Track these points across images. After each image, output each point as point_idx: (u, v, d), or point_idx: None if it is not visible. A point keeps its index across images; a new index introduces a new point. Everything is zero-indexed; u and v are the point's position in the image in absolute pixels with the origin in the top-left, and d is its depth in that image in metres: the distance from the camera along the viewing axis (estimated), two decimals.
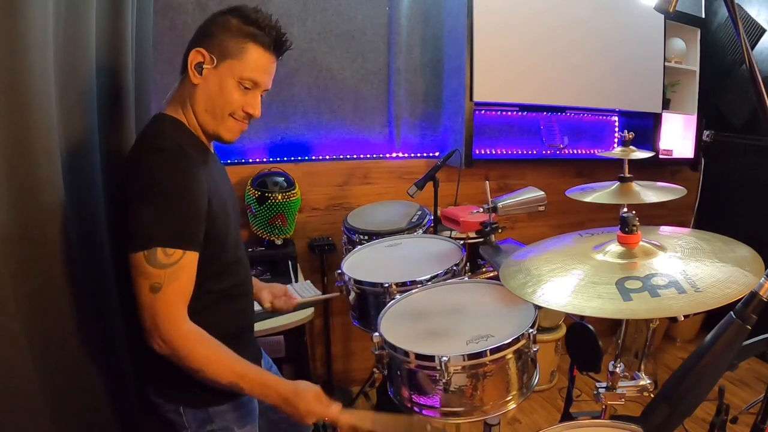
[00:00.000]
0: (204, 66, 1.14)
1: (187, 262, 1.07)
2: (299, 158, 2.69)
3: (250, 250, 2.35)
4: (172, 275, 1.05)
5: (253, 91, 1.18)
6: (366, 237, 2.07)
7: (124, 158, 1.23)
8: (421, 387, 1.17)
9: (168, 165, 1.07)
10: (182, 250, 1.06)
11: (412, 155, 2.87)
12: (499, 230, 1.67)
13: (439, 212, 2.17)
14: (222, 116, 1.17)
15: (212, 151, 1.29)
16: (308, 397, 1.13)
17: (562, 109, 2.96)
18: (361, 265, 1.68)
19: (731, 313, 0.78)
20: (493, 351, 1.11)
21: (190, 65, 1.14)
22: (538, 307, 1.18)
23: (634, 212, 1.09)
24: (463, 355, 1.11)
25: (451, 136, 2.79)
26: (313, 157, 2.72)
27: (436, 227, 2.19)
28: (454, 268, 1.56)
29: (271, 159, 2.62)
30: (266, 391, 1.13)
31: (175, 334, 1.06)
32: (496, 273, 1.57)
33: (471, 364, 1.11)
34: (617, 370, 1.24)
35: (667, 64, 2.98)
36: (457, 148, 2.54)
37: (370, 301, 1.54)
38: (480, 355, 1.11)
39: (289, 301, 1.62)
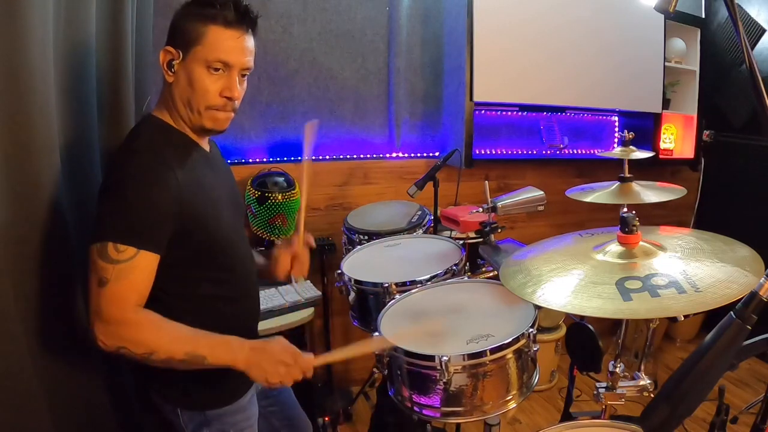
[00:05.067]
0: (174, 62, 1.12)
1: (142, 261, 1.04)
2: (299, 158, 2.68)
3: None
4: (122, 272, 1.02)
5: (227, 72, 1.13)
6: (366, 237, 2.06)
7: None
8: (421, 387, 1.17)
9: (134, 165, 1.06)
10: (135, 248, 1.03)
11: (412, 155, 2.87)
12: (499, 230, 1.67)
13: (439, 212, 2.17)
14: (199, 110, 1.14)
15: (208, 150, 1.26)
16: (275, 347, 1.10)
17: (562, 109, 2.96)
18: (361, 265, 1.68)
19: (731, 313, 0.78)
20: (493, 350, 1.11)
21: (162, 65, 1.14)
22: (538, 307, 1.18)
23: (634, 212, 1.09)
24: (463, 355, 1.11)
25: (451, 136, 2.79)
26: (313, 157, 2.71)
27: (436, 227, 2.19)
28: (454, 268, 1.57)
29: (271, 159, 2.62)
30: (230, 350, 1.08)
31: (117, 329, 1.02)
32: (495, 273, 1.57)
33: (471, 364, 1.11)
34: (617, 370, 1.24)
35: (667, 64, 2.98)
36: (457, 148, 2.54)
37: (370, 301, 1.54)
38: (480, 354, 1.11)
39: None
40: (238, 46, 1.12)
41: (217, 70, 1.12)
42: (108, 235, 1.02)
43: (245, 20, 1.13)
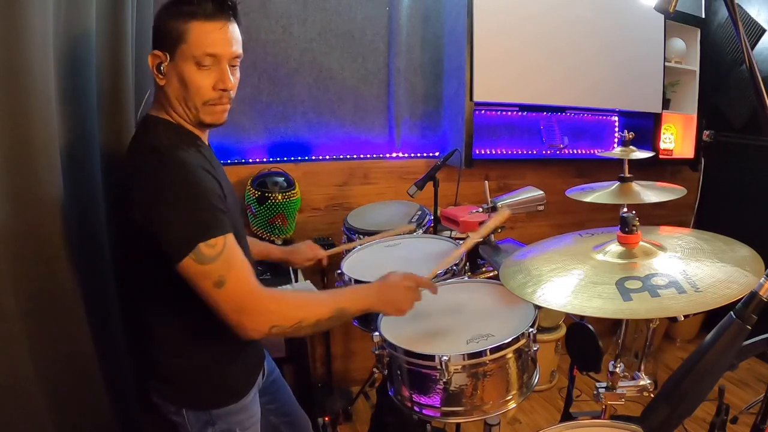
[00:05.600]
0: (163, 65, 1.12)
1: (231, 243, 1.06)
2: (299, 158, 2.68)
3: None
4: (227, 263, 1.04)
5: (217, 65, 1.12)
6: (366, 237, 2.06)
7: (122, 160, 1.21)
8: (421, 386, 1.17)
9: (170, 167, 1.06)
10: (221, 235, 1.04)
11: (412, 155, 2.87)
12: (499, 230, 1.67)
13: (439, 212, 2.17)
14: (196, 107, 1.14)
15: (207, 144, 1.26)
16: (394, 279, 1.21)
17: (562, 109, 2.96)
18: (361, 265, 1.68)
19: (731, 313, 0.78)
20: (493, 350, 1.11)
21: (152, 70, 1.14)
22: (538, 307, 1.18)
23: (634, 212, 1.09)
24: (463, 355, 1.11)
25: (451, 136, 2.79)
26: (313, 157, 2.71)
27: (436, 227, 2.19)
28: (454, 268, 1.57)
29: (271, 159, 2.62)
30: (365, 297, 1.18)
31: (262, 309, 1.06)
32: (495, 273, 1.57)
33: (471, 364, 1.11)
34: (617, 370, 1.24)
35: (667, 64, 2.98)
36: (457, 148, 2.54)
37: None
38: (480, 354, 1.11)
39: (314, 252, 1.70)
40: (222, 37, 1.12)
41: (206, 65, 1.11)
42: (194, 240, 1.02)
43: (225, 9, 1.12)
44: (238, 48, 1.15)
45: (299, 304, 1.11)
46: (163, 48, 1.11)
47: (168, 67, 1.12)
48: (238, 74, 1.19)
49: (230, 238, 1.07)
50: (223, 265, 1.03)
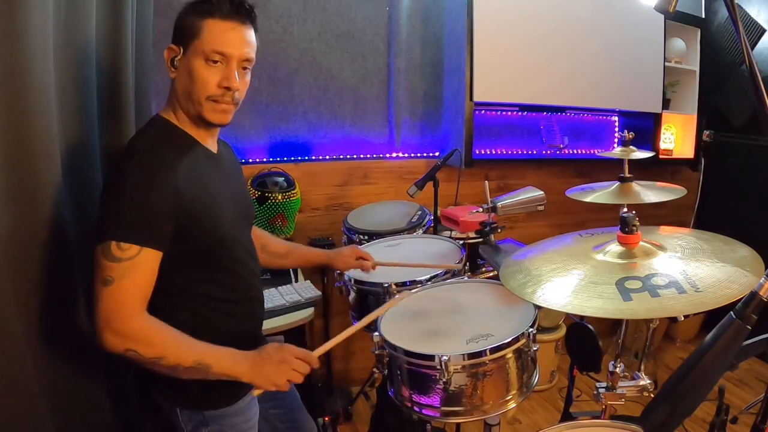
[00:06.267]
0: (176, 59, 1.15)
1: (145, 259, 1.05)
2: (299, 158, 2.68)
3: None
4: (126, 270, 1.02)
5: (226, 64, 1.14)
6: (366, 237, 2.07)
7: None
8: (421, 386, 1.17)
9: (134, 164, 1.07)
10: (138, 245, 1.03)
11: (412, 155, 2.87)
12: (499, 230, 1.67)
13: (439, 212, 2.17)
14: (199, 101, 1.14)
15: (216, 150, 1.27)
16: (268, 350, 1.12)
17: (562, 109, 2.96)
18: None
19: (731, 313, 0.78)
20: (493, 350, 1.11)
21: (167, 64, 1.16)
22: (538, 307, 1.18)
23: (634, 212, 1.09)
24: (463, 355, 1.11)
25: (451, 136, 2.79)
26: (313, 157, 2.71)
27: (436, 227, 2.19)
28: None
29: (271, 159, 2.62)
30: (234, 363, 1.09)
31: (128, 329, 1.02)
32: (495, 273, 1.57)
33: (471, 364, 1.11)
34: (617, 370, 1.24)
35: (667, 64, 2.98)
36: (457, 148, 2.54)
37: (370, 300, 1.54)
38: (480, 354, 1.11)
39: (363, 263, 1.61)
40: (235, 37, 1.14)
41: (215, 62, 1.13)
42: (110, 233, 1.03)
43: (241, 11, 1.14)
44: (249, 51, 1.17)
45: (166, 340, 1.06)
46: (178, 42, 1.14)
47: (180, 60, 1.15)
48: (248, 78, 1.20)
49: (149, 254, 1.05)
50: (121, 270, 1.02)
